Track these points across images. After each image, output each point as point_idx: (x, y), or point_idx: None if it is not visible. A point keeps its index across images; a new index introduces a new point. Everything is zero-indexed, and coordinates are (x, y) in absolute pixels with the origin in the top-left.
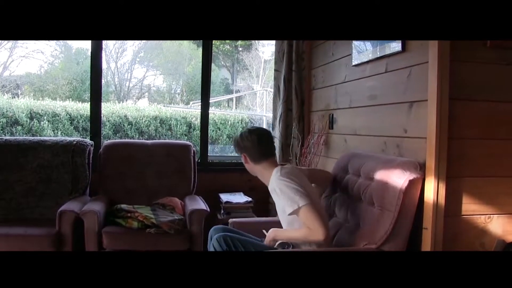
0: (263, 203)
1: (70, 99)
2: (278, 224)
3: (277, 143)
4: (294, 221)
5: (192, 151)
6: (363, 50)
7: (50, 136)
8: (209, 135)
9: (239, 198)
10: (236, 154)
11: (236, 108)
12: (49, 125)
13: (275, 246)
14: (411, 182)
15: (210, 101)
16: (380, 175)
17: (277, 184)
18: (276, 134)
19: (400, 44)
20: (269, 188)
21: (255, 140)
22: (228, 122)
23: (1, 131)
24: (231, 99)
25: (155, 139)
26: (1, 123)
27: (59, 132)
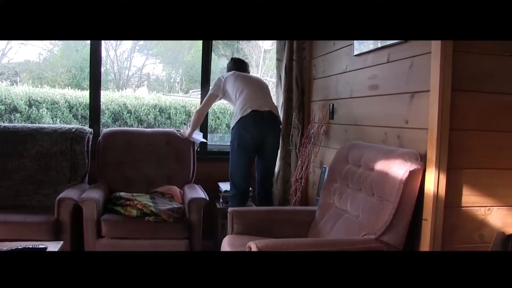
0: None
1: (69, 86)
2: (279, 213)
3: None
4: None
5: None
6: (364, 41)
7: (49, 123)
8: (208, 124)
9: None
10: None
11: None
12: (48, 113)
13: (193, 136)
14: (411, 173)
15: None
16: (381, 165)
17: None
18: None
19: None
20: None
21: (231, 61)
22: (227, 111)
23: (0, 118)
24: None
25: (155, 128)
26: None
27: (58, 120)
